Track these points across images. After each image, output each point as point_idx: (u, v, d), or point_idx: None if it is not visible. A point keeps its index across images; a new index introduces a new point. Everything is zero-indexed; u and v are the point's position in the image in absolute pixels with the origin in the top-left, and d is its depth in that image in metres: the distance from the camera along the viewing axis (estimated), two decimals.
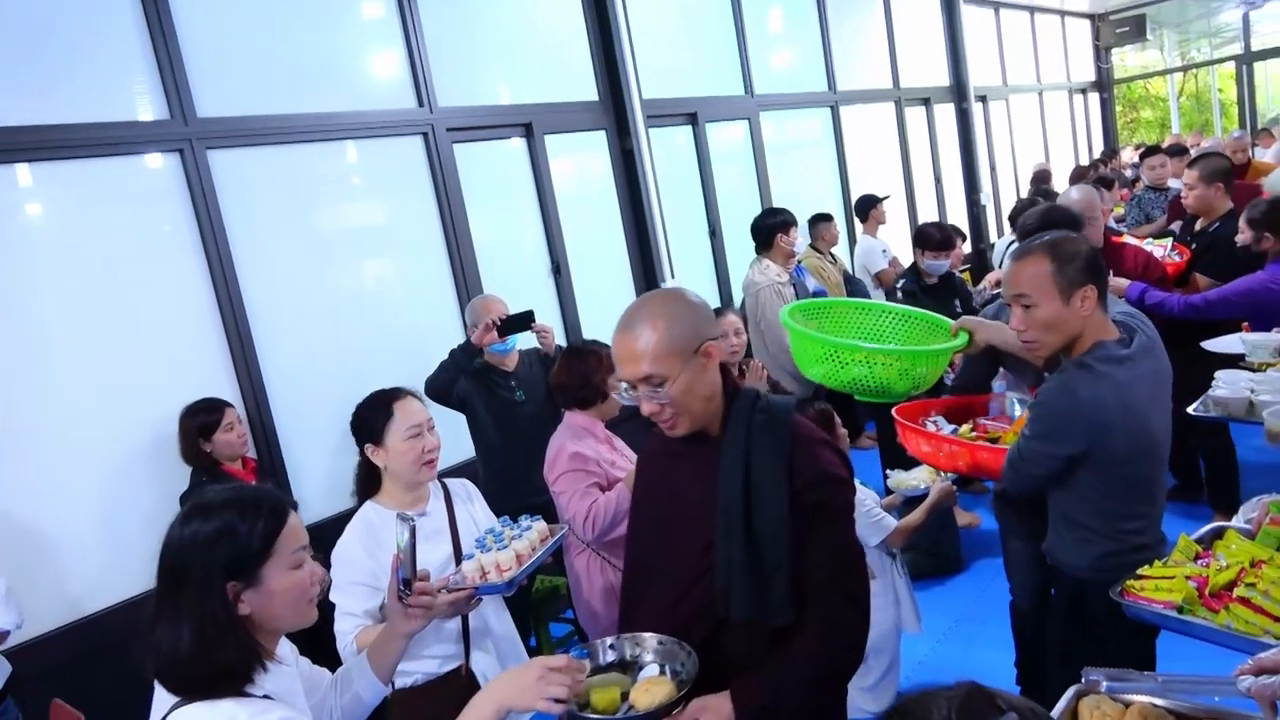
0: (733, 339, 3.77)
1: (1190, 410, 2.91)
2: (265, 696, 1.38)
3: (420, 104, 4.28)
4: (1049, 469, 2.13)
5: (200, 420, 3.22)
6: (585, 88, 5.19)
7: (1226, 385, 2.88)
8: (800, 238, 5.33)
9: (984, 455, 2.43)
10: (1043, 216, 3.14)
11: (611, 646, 1.70)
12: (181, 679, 1.35)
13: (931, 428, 2.71)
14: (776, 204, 6.54)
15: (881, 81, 8.14)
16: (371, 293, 4.17)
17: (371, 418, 2.30)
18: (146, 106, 3.38)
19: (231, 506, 1.42)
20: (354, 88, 4.08)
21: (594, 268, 5.19)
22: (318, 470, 3.85)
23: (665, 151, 5.63)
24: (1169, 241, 4.62)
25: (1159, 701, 1.46)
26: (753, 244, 5.07)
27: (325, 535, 3.52)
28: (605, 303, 5.21)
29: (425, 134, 4.30)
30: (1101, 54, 13.15)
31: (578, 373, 2.89)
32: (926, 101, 8.78)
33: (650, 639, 1.68)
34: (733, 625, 1.65)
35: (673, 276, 5.40)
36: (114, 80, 3.31)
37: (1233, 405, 2.83)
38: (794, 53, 7.10)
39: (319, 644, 3.38)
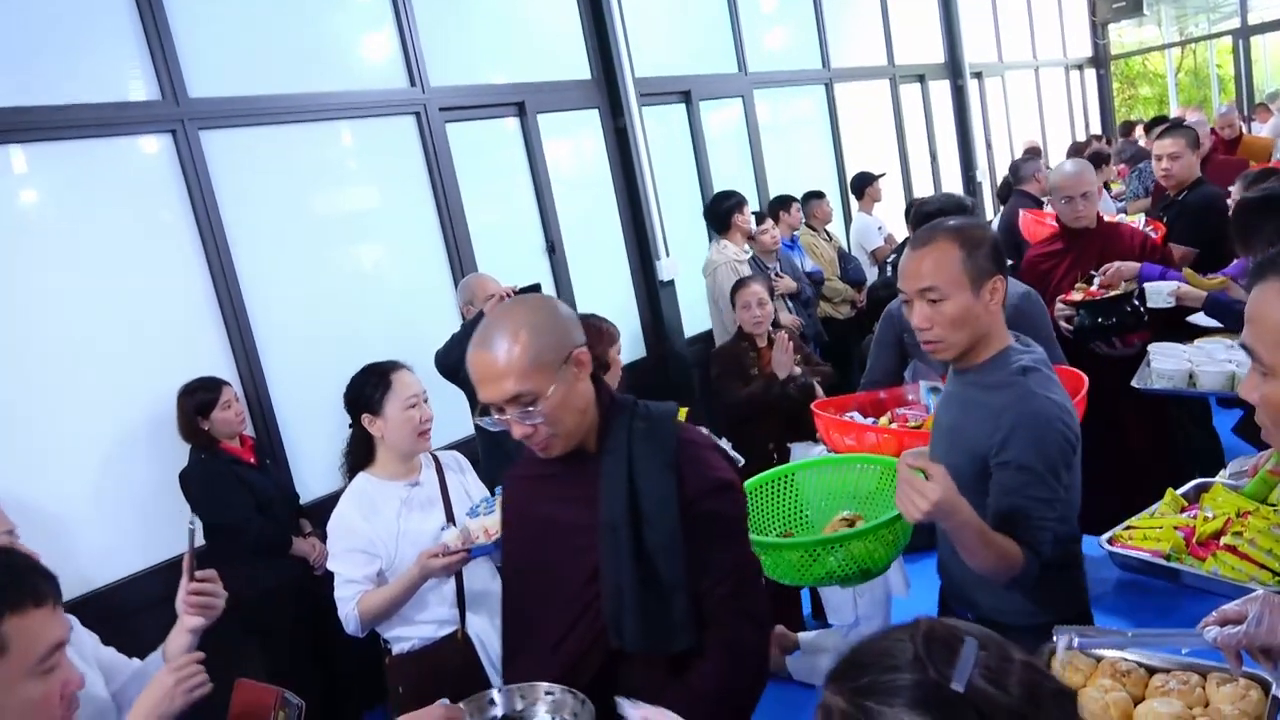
0: (755, 310, 3.80)
1: (1134, 384, 2.94)
2: None
3: (412, 83, 4.29)
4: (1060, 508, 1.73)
5: (198, 399, 3.26)
6: (578, 66, 5.19)
7: (1163, 356, 2.93)
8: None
9: (912, 440, 2.33)
10: (943, 202, 3.09)
11: (491, 701, 1.52)
12: None
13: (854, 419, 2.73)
14: (772, 182, 6.58)
15: (876, 59, 8.13)
16: (366, 273, 4.20)
17: (369, 389, 2.35)
18: (138, 87, 3.40)
19: None
20: (346, 67, 4.10)
21: (589, 247, 5.22)
22: (315, 449, 3.89)
23: (659, 130, 5.64)
24: (1141, 218, 4.63)
25: (1129, 655, 1.50)
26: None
27: (324, 512, 3.56)
28: (601, 282, 5.24)
29: (418, 114, 4.31)
30: (1098, 29, 13.08)
31: None
32: (922, 78, 8.77)
33: (538, 688, 1.50)
34: (627, 657, 1.51)
35: (667, 255, 5.42)
36: (105, 60, 3.33)
37: (1174, 376, 2.86)
38: (788, 30, 7.08)
39: (322, 617, 3.44)
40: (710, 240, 5.23)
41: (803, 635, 3.73)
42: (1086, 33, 13.01)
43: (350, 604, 2.23)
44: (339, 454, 3.86)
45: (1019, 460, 1.66)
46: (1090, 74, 13.21)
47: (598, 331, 2.96)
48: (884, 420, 2.76)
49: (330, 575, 3.36)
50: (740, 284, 3.97)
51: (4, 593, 1.09)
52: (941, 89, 9.14)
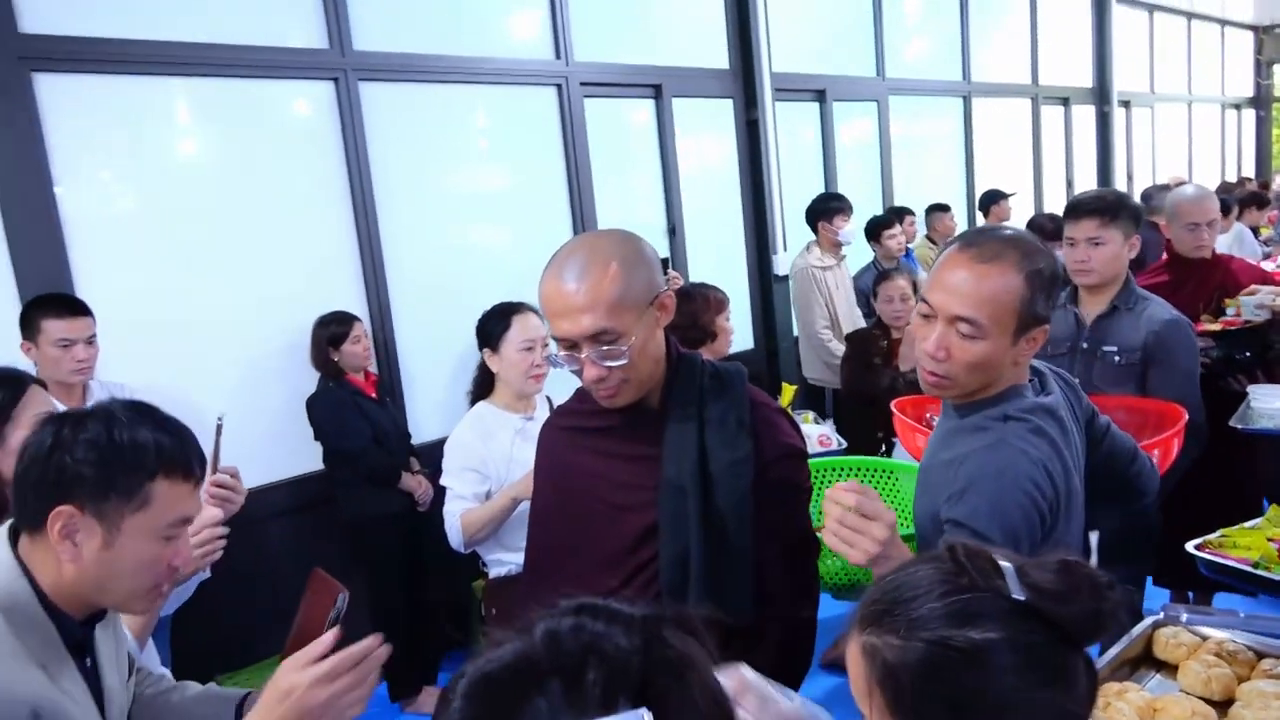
0: (897, 303, 3.78)
1: (1232, 423, 2.67)
2: None
3: (557, 56, 4.43)
4: None
5: (331, 330, 3.46)
6: (717, 55, 5.26)
7: (1264, 395, 2.73)
8: (849, 225, 4.96)
9: None
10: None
11: None
12: None
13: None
14: (898, 190, 6.51)
15: (1019, 76, 7.94)
16: (493, 235, 4.35)
17: (492, 325, 2.48)
18: (309, 35, 3.63)
19: None
20: (497, 34, 4.27)
21: (708, 234, 5.27)
22: (431, 393, 4.07)
23: (790, 126, 5.66)
24: None
25: (1239, 637, 1.47)
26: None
27: (432, 455, 3.73)
28: (716, 270, 5.27)
29: (559, 86, 4.45)
30: (1262, 69, 12.42)
31: (686, 313, 2.98)
32: (1065, 101, 8.51)
33: None
34: None
35: (784, 249, 5.43)
36: (280, 6, 3.56)
37: (1277, 415, 2.66)
38: (929, 39, 6.99)
39: (420, 551, 3.60)
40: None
41: None
42: (1249, 71, 12.36)
43: (455, 517, 2.35)
44: (451, 403, 4.05)
45: (970, 522, 1.33)
46: (1249, 115, 12.54)
47: (705, 299, 3.01)
48: None
49: (431, 514, 3.54)
50: (884, 276, 3.96)
51: (167, 455, 1.21)
52: (1085, 114, 8.85)
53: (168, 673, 1.59)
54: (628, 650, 0.62)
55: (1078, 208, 2.59)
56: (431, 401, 4.08)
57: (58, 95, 3.06)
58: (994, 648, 0.78)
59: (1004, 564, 0.82)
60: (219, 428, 1.77)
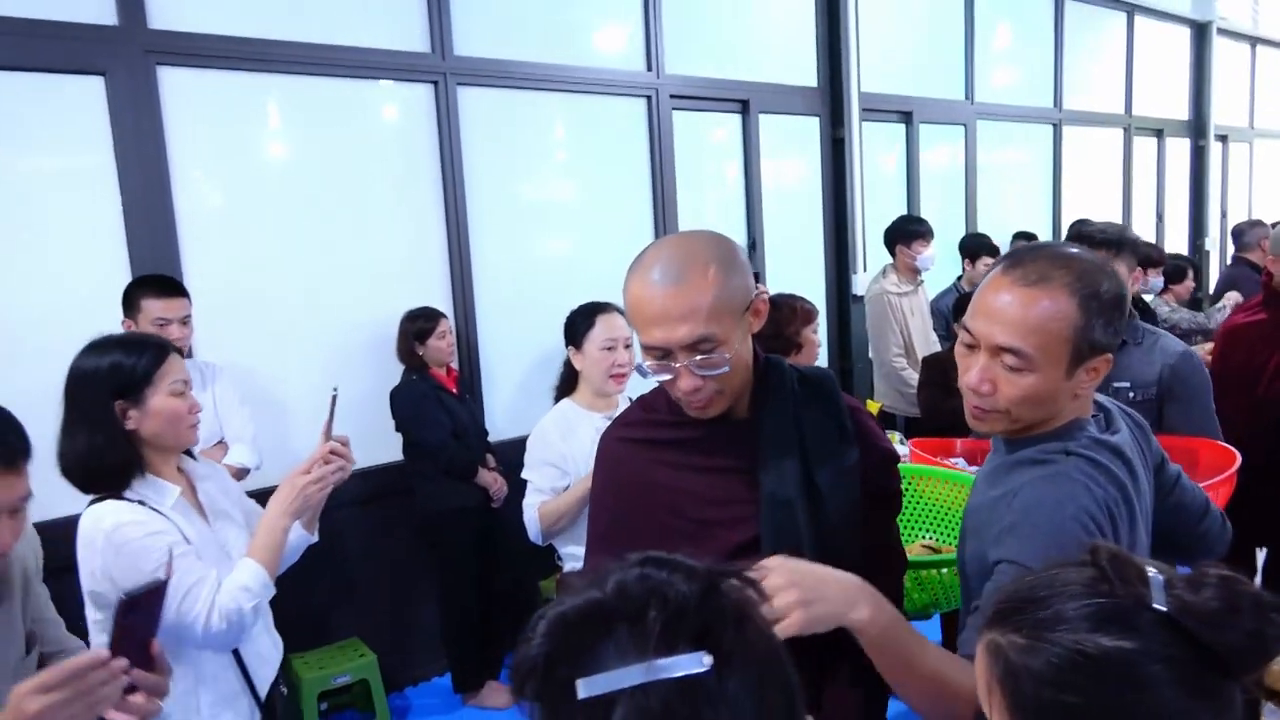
0: None
1: None
2: (140, 502, 1.66)
3: (649, 68, 4.50)
4: None
5: (418, 325, 3.56)
6: (805, 73, 5.26)
7: None
8: (929, 250, 4.78)
9: None
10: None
11: None
12: (79, 476, 1.66)
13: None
14: (981, 217, 6.41)
15: (1112, 106, 7.75)
16: (578, 244, 4.41)
17: (578, 323, 2.52)
18: (412, 39, 3.75)
19: (120, 345, 1.72)
20: (590, 44, 4.35)
21: (787, 250, 5.27)
22: (507, 395, 4.14)
23: (875, 146, 5.63)
24: None
25: None
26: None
27: (507, 453, 3.80)
28: (794, 284, 5.21)
29: (649, 98, 4.51)
30: None
31: (772, 321, 2.97)
32: (1159, 133, 8.28)
33: None
34: None
35: (864, 270, 5.39)
36: (386, 10, 3.69)
37: None
38: (1021, 63, 6.88)
39: (493, 546, 3.66)
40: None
41: None
42: None
43: (534, 509, 2.39)
44: (526, 405, 4.13)
45: (1021, 559, 1.16)
46: None
47: (793, 309, 3.00)
48: None
49: (504, 511, 3.60)
50: (968, 299, 3.92)
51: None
52: (1180, 147, 8.60)
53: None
54: (688, 596, 0.65)
55: (1081, 239, 2.48)
56: (509, 401, 4.15)
57: (178, 88, 3.22)
58: (1126, 658, 0.74)
59: (1152, 573, 0.78)
60: (334, 399, 1.86)
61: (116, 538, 1.61)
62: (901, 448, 3.52)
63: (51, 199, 3.02)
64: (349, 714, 3.67)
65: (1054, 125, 7.10)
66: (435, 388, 3.56)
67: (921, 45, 6.04)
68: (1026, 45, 6.90)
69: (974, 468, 2.37)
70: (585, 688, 0.62)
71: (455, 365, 3.78)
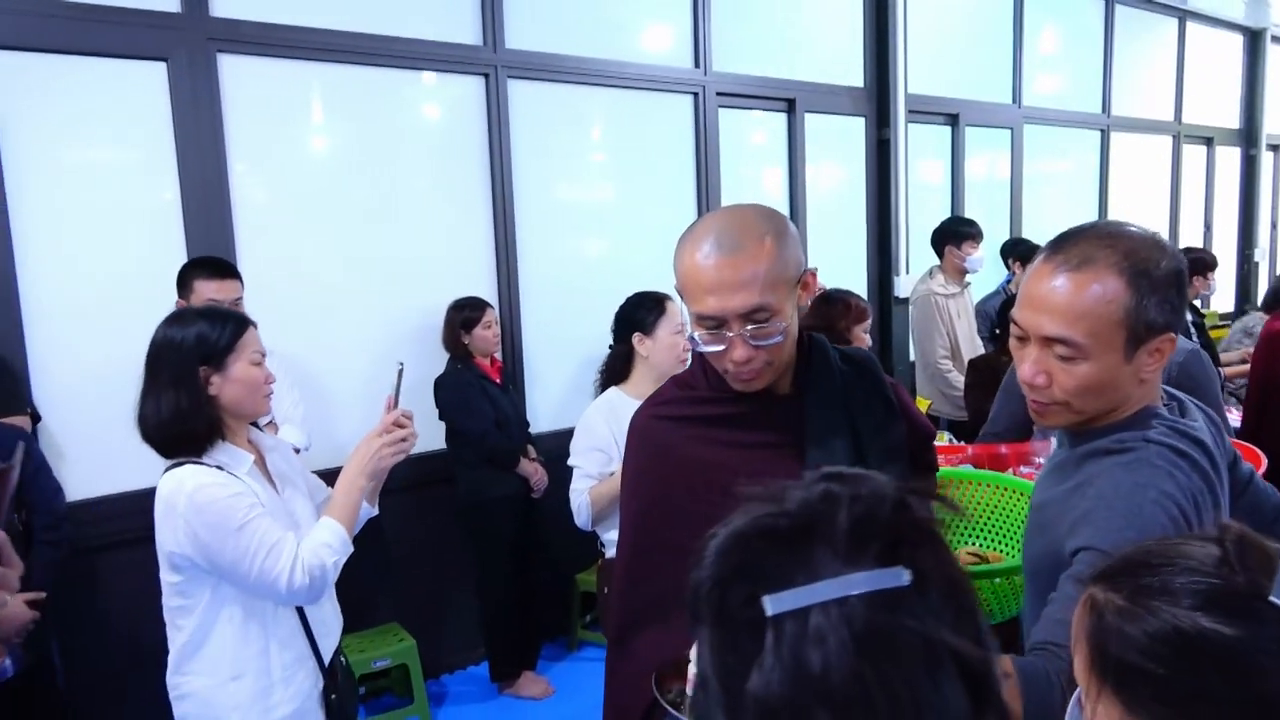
0: None
1: None
2: (218, 468, 1.72)
3: (696, 65, 4.50)
4: None
5: (465, 315, 3.59)
6: (852, 73, 5.24)
7: None
8: (978, 252, 4.72)
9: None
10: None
11: None
12: (160, 440, 1.73)
13: None
14: (1026, 222, 6.34)
15: (1161, 113, 7.64)
16: (622, 241, 4.41)
17: (644, 311, 2.56)
18: (465, 31, 3.79)
19: (204, 316, 1.80)
20: (639, 40, 4.36)
21: (830, 250, 5.24)
22: (550, 388, 4.16)
23: (920, 148, 5.59)
24: None
25: None
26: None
27: (548, 446, 3.82)
28: (835, 284, 5.22)
29: (696, 94, 4.52)
30: None
31: (823, 316, 2.98)
32: (1209, 141, 8.14)
33: None
34: None
35: (906, 272, 5.36)
36: (440, 2, 3.72)
37: None
38: (1069, 68, 6.80)
39: (533, 536, 3.68)
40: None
41: None
42: None
43: (583, 495, 2.41)
44: (567, 399, 4.15)
45: (1099, 544, 1.09)
46: None
47: (846, 305, 3.00)
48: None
49: (543, 502, 3.62)
50: (1015, 301, 3.88)
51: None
52: (1230, 156, 8.45)
53: None
54: (878, 510, 0.63)
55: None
56: (549, 395, 4.17)
57: (235, 75, 3.27)
58: (1226, 644, 0.69)
59: None
60: (400, 372, 1.91)
61: (199, 498, 1.66)
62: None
63: (113, 180, 3.08)
64: (386, 698, 3.70)
65: (1102, 131, 7.01)
66: (479, 377, 3.59)
67: (969, 48, 5.99)
68: (1075, 49, 6.82)
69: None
70: (773, 604, 0.59)
71: (499, 356, 3.81)
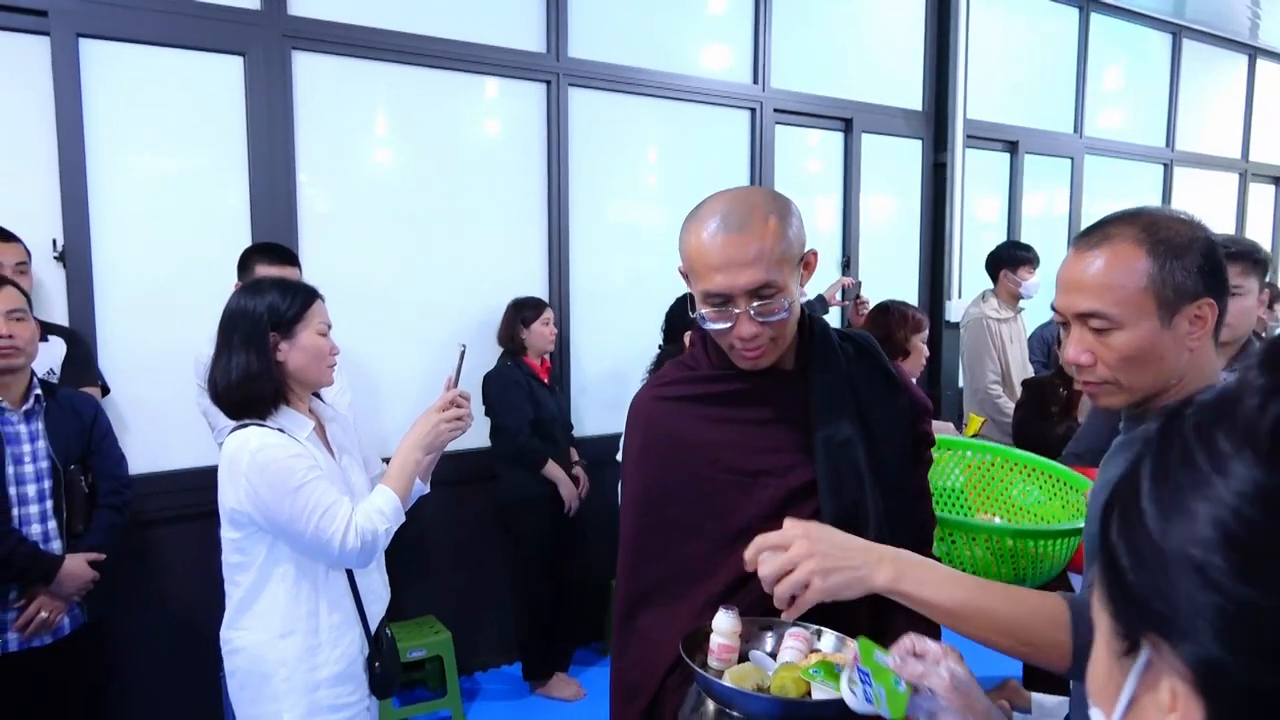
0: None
1: None
2: (280, 430, 1.79)
3: (755, 80, 4.54)
4: None
5: (525, 313, 3.65)
6: (911, 95, 5.25)
7: None
8: (1034, 278, 4.55)
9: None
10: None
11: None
12: (229, 401, 1.80)
13: None
14: None
15: (1228, 150, 7.50)
16: (673, 250, 4.44)
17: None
18: (530, 38, 3.88)
19: (276, 287, 1.88)
20: (700, 54, 4.42)
21: (881, 271, 5.23)
22: (595, 393, 4.20)
23: (976, 174, 5.56)
24: None
25: None
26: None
27: (591, 451, 3.85)
28: None
29: (754, 110, 4.56)
30: None
31: (881, 325, 2.98)
32: (1278, 181, 7.97)
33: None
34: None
35: (959, 297, 5.31)
36: (506, 10, 3.82)
37: None
38: (1133, 100, 6.72)
39: (569, 538, 3.70)
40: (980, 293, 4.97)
41: (1037, 696, 3.51)
42: None
43: None
44: (611, 405, 4.18)
45: None
46: None
47: (903, 315, 2.99)
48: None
49: (582, 505, 3.64)
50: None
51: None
52: None
53: None
54: None
55: None
56: (596, 400, 4.20)
57: (308, 72, 3.39)
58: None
59: None
60: (462, 353, 1.96)
61: (262, 457, 1.72)
62: None
63: (187, 170, 3.21)
64: (419, 691, 3.74)
65: (1165, 165, 6.90)
66: (528, 375, 3.64)
67: (1032, 75, 5.95)
68: (1140, 81, 6.74)
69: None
70: None
71: (549, 358, 3.86)
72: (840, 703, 1.04)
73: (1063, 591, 1.20)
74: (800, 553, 1.10)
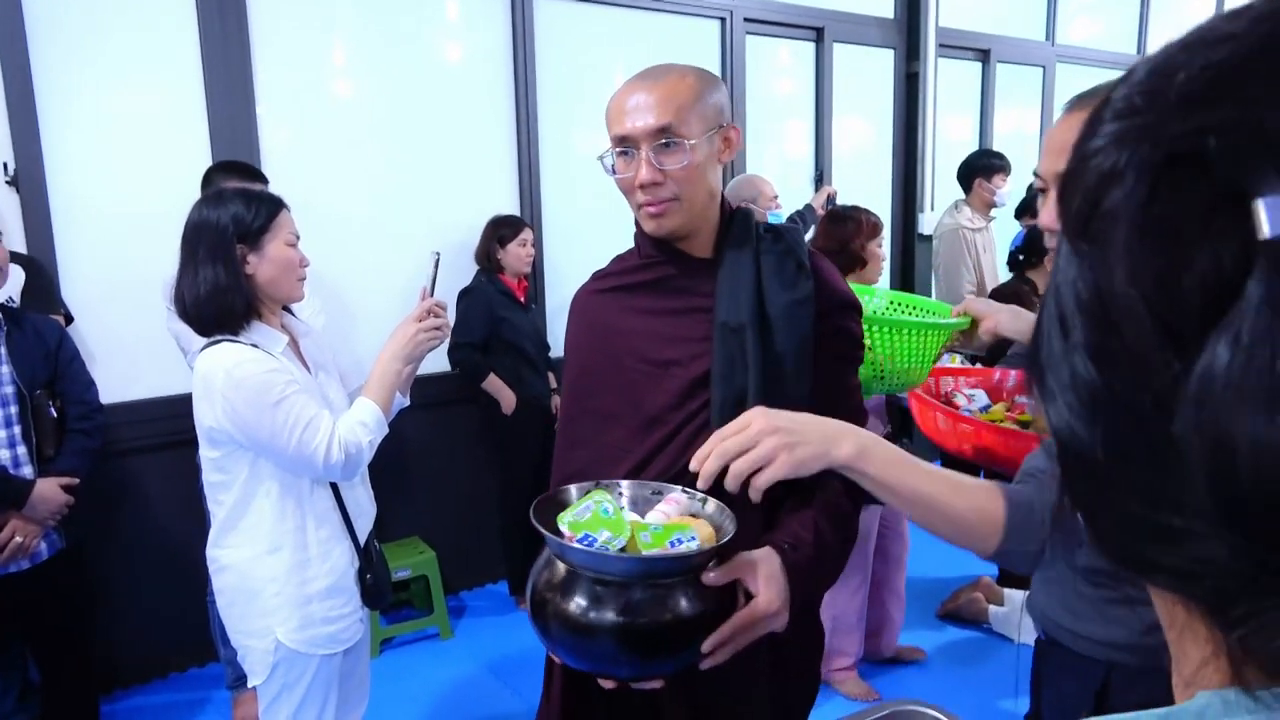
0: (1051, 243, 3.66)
1: None
2: (254, 345, 1.74)
3: None
4: None
5: (502, 231, 3.60)
6: (882, 3, 5.15)
7: None
8: (1007, 185, 4.62)
9: (991, 438, 1.83)
10: None
11: (620, 493, 1.28)
12: (199, 317, 1.74)
13: (962, 400, 2.22)
14: None
15: None
16: None
17: None
18: None
19: (239, 197, 1.80)
20: None
21: (854, 184, 5.17)
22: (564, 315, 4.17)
23: (948, 83, 5.49)
24: None
25: None
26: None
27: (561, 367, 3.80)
28: None
29: (724, 20, 4.45)
30: None
31: (836, 237, 2.93)
32: None
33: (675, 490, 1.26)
34: (722, 490, 1.14)
35: (931, 209, 5.31)
36: None
37: None
38: (1106, 8, 6.65)
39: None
40: (951, 204, 4.97)
41: (1008, 590, 3.62)
42: None
43: None
44: None
45: None
46: None
47: (858, 222, 2.94)
48: (998, 409, 2.18)
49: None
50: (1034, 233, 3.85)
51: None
52: None
53: None
54: None
55: None
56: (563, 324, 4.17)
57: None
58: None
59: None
60: (436, 261, 1.92)
61: (237, 373, 1.69)
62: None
63: (141, 89, 3.08)
64: (406, 611, 3.78)
65: None
66: (502, 292, 3.60)
67: None
68: None
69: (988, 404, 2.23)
70: (1272, 216, 0.31)
71: (527, 279, 3.81)
72: (661, 558, 1.10)
73: (999, 482, 1.23)
74: (762, 428, 1.10)
